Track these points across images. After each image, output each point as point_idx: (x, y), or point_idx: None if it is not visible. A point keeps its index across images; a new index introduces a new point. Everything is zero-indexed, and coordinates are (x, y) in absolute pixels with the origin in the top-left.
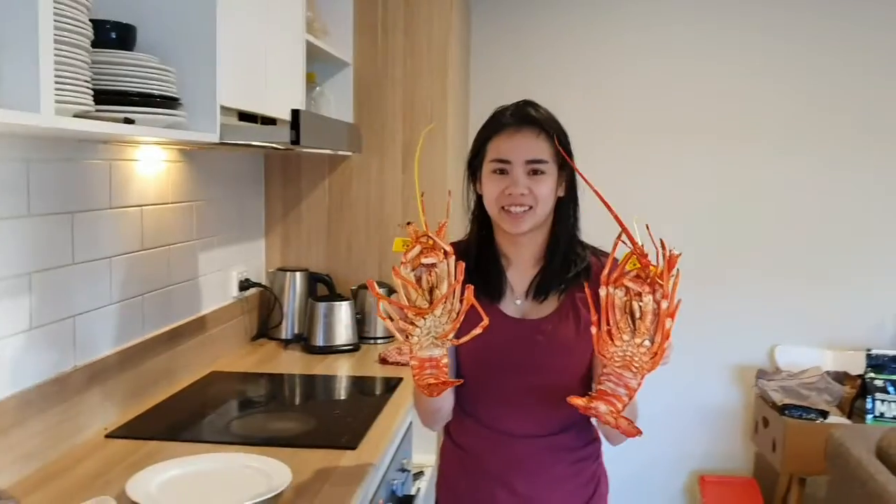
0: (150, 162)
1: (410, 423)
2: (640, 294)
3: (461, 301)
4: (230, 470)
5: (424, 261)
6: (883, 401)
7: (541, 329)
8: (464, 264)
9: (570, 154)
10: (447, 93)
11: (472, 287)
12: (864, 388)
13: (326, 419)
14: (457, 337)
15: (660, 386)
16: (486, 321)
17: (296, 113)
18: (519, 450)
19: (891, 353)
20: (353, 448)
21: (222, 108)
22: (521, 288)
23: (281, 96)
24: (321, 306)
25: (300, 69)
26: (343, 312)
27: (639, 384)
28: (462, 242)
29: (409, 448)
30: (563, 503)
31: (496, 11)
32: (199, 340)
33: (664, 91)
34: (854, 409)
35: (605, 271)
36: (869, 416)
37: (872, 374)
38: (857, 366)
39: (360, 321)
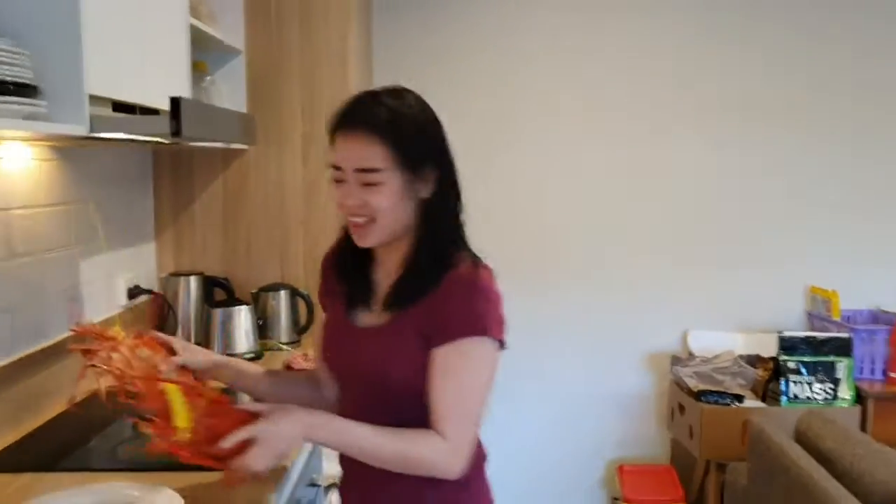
0: (13, 160)
1: None
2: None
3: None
4: (112, 502)
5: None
6: (796, 382)
7: (376, 338)
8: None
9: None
10: (348, 82)
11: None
12: (777, 371)
13: None
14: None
15: (575, 377)
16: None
17: (175, 101)
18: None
19: (801, 334)
20: None
21: (93, 97)
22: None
23: (163, 85)
24: (219, 312)
25: (184, 55)
26: (243, 318)
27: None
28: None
29: (319, 461)
30: None
31: None
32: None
33: (565, 80)
34: (768, 392)
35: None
36: (783, 398)
37: (785, 357)
38: (768, 348)
39: (262, 326)
